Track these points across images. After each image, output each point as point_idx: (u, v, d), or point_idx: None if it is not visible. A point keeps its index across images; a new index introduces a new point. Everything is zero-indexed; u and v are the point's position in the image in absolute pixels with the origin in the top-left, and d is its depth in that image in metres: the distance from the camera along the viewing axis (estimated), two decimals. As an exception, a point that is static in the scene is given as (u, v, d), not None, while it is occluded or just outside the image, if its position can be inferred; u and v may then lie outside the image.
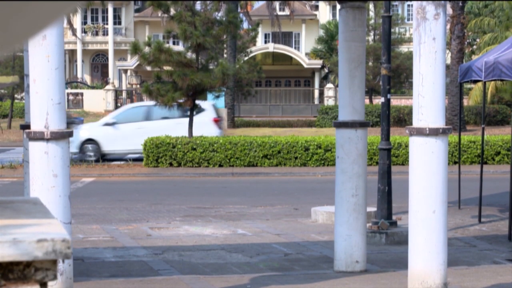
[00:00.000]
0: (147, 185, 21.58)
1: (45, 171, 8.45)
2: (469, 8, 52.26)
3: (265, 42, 61.83)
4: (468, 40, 48.69)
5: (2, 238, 2.36)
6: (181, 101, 24.64)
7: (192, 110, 25.31)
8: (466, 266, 10.82)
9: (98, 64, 63.73)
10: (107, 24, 61.87)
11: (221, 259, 11.35)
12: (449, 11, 34.03)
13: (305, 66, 55.19)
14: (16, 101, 45.85)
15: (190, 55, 24.84)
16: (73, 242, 8.89)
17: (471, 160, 24.76)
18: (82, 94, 51.94)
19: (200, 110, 25.45)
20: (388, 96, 13.63)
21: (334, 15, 60.81)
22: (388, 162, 13.49)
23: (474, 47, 50.50)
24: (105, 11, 61.64)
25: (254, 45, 54.11)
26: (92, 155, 26.27)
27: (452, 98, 35.29)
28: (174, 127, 26.14)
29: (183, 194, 19.09)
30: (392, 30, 43.73)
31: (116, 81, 58.89)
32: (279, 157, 24.59)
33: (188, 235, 13.40)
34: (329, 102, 48.96)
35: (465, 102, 42.24)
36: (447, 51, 35.13)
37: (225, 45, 33.04)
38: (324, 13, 62.81)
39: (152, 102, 25.23)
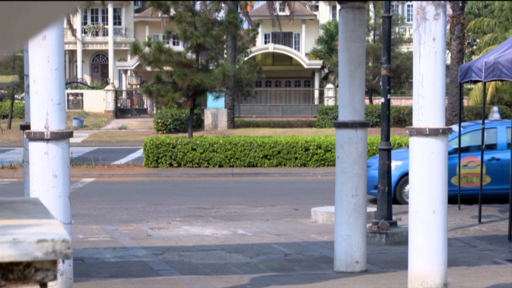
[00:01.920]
0: (147, 185, 21.58)
1: (45, 171, 8.44)
2: (469, 9, 52.27)
3: (265, 42, 61.81)
4: (468, 41, 48.70)
5: (2, 238, 2.36)
6: (181, 101, 24.66)
7: (192, 110, 25.31)
8: (466, 267, 10.82)
9: (98, 64, 63.73)
10: (107, 24, 61.86)
11: (221, 260, 11.35)
12: (449, 11, 34.03)
13: (305, 66, 55.18)
14: (16, 101, 45.86)
15: (190, 55, 24.85)
16: (73, 243, 8.89)
17: (471, 161, 24.74)
18: (82, 95, 51.93)
19: None
20: (388, 96, 13.63)
21: (334, 15, 60.79)
22: (388, 163, 13.49)
23: (474, 47, 50.49)
24: (105, 11, 61.64)
25: (254, 45, 54.10)
26: None
27: (452, 98, 35.27)
28: None
29: (183, 195, 19.09)
30: (392, 30, 43.75)
31: (116, 81, 58.89)
32: (279, 158, 24.60)
33: (188, 235, 13.40)
34: (329, 102, 48.94)
35: (465, 103, 42.24)
36: (447, 51, 35.13)
37: (225, 46, 33.01)
38: (324, 14, 62.80)
39: None
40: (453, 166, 16.36)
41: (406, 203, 16.26)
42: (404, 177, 17.02)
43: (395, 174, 16.90)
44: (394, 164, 16.87)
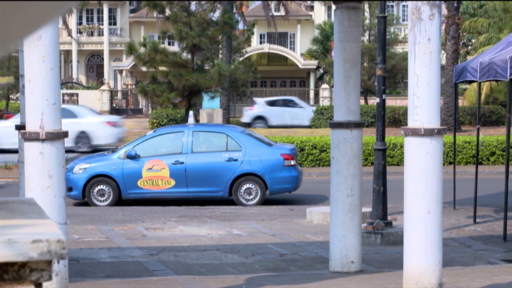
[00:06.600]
0: (143, 185, 21.53)
1: (40, 171, 8.43)
2: (464, 9, 52.31)
3: (261, 42, 61.79)
4: (463, 41, 48.73)
5: (-3, 238, 2.36)
6: (176, 101, 24.65)
7: (187, 110, 25.30)
8: (461, 266, 10.83)
9: (93, 64, 63.66)
10: (102, 24, 61.80)
11: (217, 260, 11.34)
12: (444, 11, 34.05)
13: (300, 66, 55.20)
14: (11, 101, 45.82)
15: (186, 55, 24.84)
16: (68, 243, 8.87)
17: (466, 161, 24.79)
18: (77, 95, 51.88)
19: None
20: (383, 96, 13.64)
21: (329, 15, 60.79)
22: (383, 163, 13.50)
23: (469, 47, 50.54)
24: (100, 11, 61.58)
25: (249, 45, 54.10)
26: None
27: (447, 98, 35.32)
28: None
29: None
30: (387, 30, 43.77)
31: (111, 81, 58.84)
32: (274, 158, 24.54)
33: (183, 235, 13.39)
34: (324, 102, 48.95)
35: (460, 103, 42.26)
36: (442, 51, 35.17)
37: (220, 46, 33.01)
38: (319, 14, 62.81)
39: None
40: (141, 169, 17.19)
41: (95, 204, 17.23)
42: (93, 179, 17.46)
43: (83, 177, 17.47)
44: (82, 166, 17.42)
